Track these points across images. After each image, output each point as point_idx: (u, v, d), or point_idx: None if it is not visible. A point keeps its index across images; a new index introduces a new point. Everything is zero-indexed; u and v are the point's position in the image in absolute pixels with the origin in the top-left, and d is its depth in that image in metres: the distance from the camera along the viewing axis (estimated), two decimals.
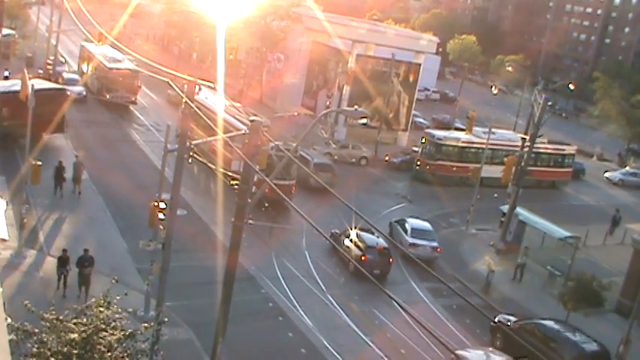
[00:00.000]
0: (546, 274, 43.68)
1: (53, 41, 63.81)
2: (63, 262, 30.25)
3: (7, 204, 33.89)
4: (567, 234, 45.10)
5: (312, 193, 48.10)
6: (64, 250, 30.80)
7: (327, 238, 17.80)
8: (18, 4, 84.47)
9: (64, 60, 76.55)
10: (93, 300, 19.84)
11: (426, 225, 44.48)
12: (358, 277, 37.37)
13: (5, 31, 74.80)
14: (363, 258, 37.98)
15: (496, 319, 33.33)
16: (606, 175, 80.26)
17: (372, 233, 40.03)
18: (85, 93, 64.01)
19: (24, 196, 35.19)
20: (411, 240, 42.34)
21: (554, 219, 48.33)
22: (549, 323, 32.63)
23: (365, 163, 64.06)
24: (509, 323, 32.89)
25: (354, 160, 63.36)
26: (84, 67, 72.36)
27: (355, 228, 40.30)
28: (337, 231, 41.57)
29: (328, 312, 33.81)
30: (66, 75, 65.82)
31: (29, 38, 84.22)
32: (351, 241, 39.77)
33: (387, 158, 65.38)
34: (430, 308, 36.61)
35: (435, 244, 42.74)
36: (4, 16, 72.42)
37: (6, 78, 58.52)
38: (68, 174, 42.25)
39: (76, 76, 66.72)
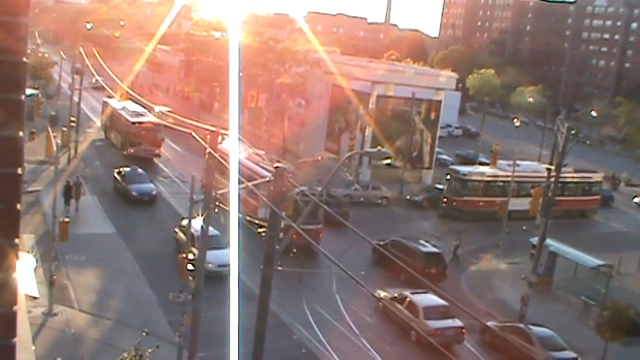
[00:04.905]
0: (581, 304, 43.10)
1: (76, 99, 64.58)
2: None
3: (36, 261, 34.05)
4: (600, 262, 44.56)
5: (339, 236, 47.91)
6: None
7: (356, 280, 17.70)
8: (41, 64, 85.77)
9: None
10: (125, 354, 19.78)
11: None
12: (389, 319, 37.08)
13: (28, 91, 75.70)
14: None
15: (374, 242, 43.55)
16: (635, 200, 79.39)
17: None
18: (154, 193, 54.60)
19: (53, 253, 35.36)
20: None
21: (586, 248, 47.83)
22: (405, 240, 46.18)
23: (386, 203, 63.69)
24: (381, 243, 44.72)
25: (380, 200, 63.15)
26: (107, 122, 73.04)
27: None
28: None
29: (362, 355, 33.51)
30: None
31: (52, 97, 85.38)
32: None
33: (408, 197, 65.14)
34: (464, 345, 36.25)
35: None
36: (27, 77, 73.14)
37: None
38: None
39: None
